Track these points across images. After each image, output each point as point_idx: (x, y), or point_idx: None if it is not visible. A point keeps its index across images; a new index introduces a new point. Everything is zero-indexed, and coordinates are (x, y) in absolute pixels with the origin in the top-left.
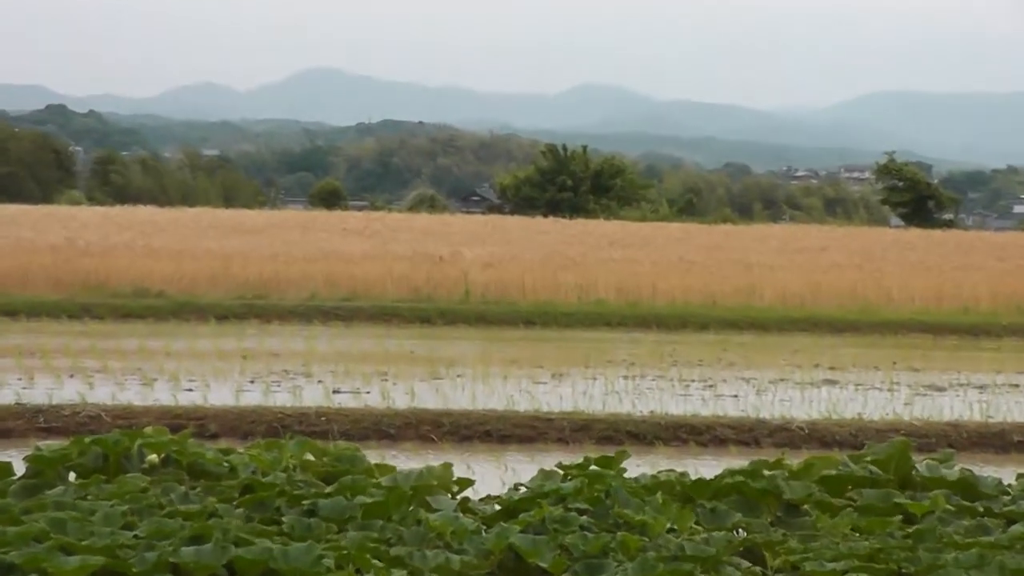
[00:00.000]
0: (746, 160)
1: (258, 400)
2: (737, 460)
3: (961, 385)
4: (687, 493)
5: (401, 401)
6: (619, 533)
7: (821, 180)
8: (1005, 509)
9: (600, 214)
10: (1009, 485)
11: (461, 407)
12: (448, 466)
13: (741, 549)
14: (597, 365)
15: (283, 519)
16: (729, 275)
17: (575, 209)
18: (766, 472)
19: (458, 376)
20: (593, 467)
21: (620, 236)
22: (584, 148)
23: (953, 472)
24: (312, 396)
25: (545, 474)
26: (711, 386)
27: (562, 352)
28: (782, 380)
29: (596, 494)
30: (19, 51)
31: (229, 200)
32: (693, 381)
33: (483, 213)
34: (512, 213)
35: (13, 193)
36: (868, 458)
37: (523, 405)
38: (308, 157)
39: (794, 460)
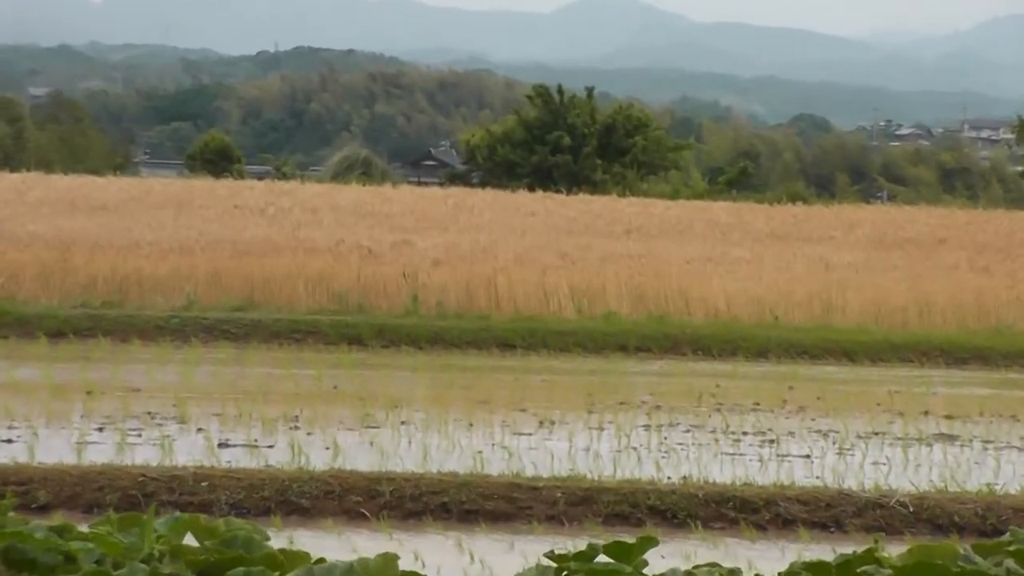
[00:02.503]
0: (825, 111)
1: (109, 456)
2: (810, 550)
3: None
4: None
5: (319, 459)
6: None
7: (934, 141)
8: None
9: (612, 188)
10: None
11: (406, 469)
12: (392, 558)
13: None
14: (605, 408)
15: None
16: (799, 278)
17: (575, 180)
18: (857, 570)
19: (402, 423)
20: (601, 558)
21: (641, 220)
22: (590, 91)
23: None
24: (189, 451)
25: (540, 570)
26: (771, 441)
27: (554, 389)
28: (875, 434)
29: None
30: None
31: (70, 162)
32: (746, 434)
33: (441, 184)
34: (483, 185)
35: None
36: (1010, 547)
37: (497, 466)
38: (187, 100)
39: (893, 551)
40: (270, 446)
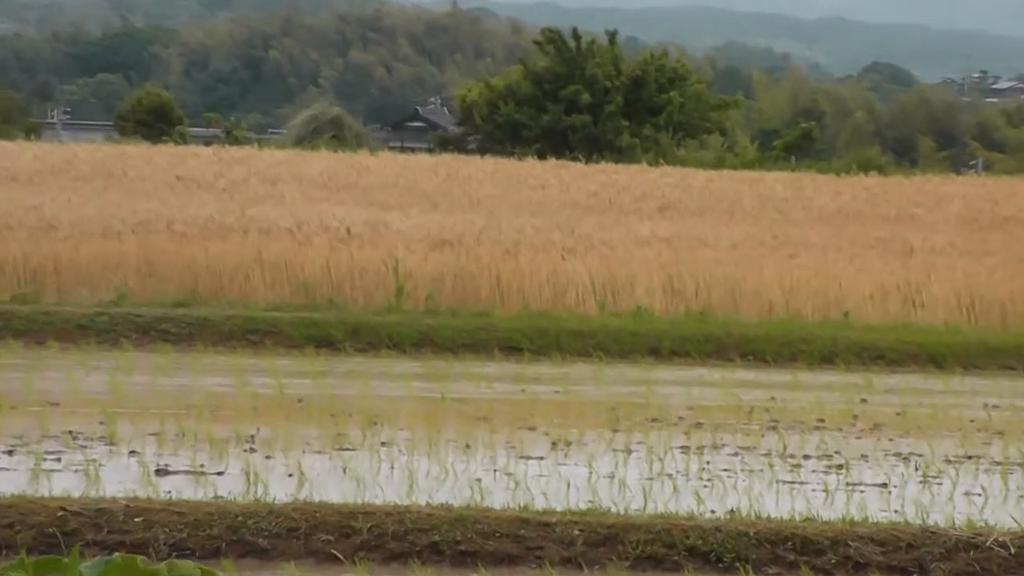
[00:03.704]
0: (904, 60)
1: (21, 486)
2: None
3: None
4: None
5: (280, 489)
6: None
7: None
8: None
9: (641, 155)
10: None
11: (388, 501)
12: None
13: None
14: (633, 426)
15: None
16: (874, 266)
17: (596, 145)
18: None
19: (382, 445)
20: None
21: (677, 195)
22: (612, 36)
23: None
24: (119, 479)
25: None
26: (839, 467)
27: (570, 403)
28: (968, 458)
29: None
30: None
31: None
32: (807, 458)
33: (430, 151)
34: (482, 152)
35: None
36: None
37: (500, 497)
38: (116, 47)
39: None
40: (219, 473)
